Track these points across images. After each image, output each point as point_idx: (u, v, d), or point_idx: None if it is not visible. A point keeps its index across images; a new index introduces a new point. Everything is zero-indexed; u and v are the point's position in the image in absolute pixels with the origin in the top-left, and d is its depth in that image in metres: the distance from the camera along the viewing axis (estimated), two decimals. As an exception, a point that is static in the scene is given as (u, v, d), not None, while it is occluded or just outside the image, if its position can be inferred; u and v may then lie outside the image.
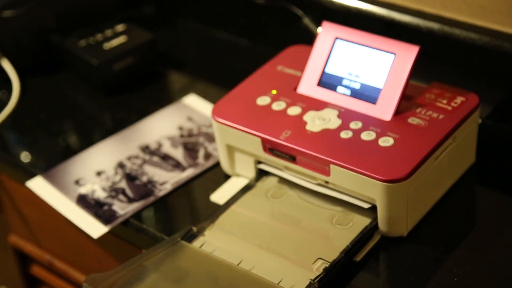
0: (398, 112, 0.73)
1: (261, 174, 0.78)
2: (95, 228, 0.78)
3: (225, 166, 0.81)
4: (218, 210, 0.75)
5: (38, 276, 1.01)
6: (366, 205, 0.71)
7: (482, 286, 0.67)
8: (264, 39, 1.02)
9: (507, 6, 0.80)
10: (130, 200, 0.80)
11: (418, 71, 0.74)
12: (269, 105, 0.77)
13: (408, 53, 0.73)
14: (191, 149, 0.86)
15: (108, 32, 1.00)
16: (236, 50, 1.03)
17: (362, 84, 0.75)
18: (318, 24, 0.84)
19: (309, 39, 0.84)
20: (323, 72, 0.77)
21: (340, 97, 0.76)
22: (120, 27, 1.01)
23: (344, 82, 0.76)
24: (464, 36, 0.82)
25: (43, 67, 1.02)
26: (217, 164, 0.83)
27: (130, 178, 0.83)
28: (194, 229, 0.72)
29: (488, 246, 0.71)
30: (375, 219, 0.71)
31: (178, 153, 0.86)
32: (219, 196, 0.78)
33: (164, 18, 1.10)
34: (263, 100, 0.77)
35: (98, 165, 0.85)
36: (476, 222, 0.75)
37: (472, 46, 0.82)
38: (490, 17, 0.82)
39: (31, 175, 0.85)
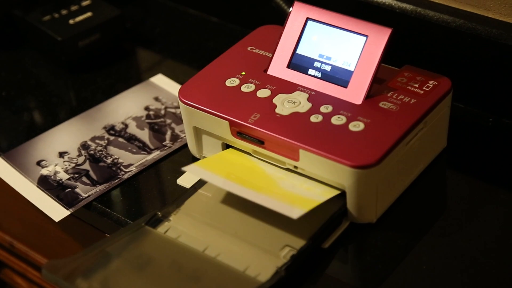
0: (369, 96, 0.72)
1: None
2: (57, 211, 0.76)
3: (193, 148, 0.79)
4: (184, 194, 0.73)
5: (-1, 258, 0.98)
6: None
7: (451, 273, 0.67)
8: (235, 17, 0.99)
9: (481, -12, 0.79)
10: (94, 183, 0.78)
11: (390, 53, 0.72)
12: (238, 87, 0.75)
13: (381, 35, 0.72)
14: (157, 131, 0.84)
15: (74, 7, 0.97)
16: (206, 28, 1.01)
17: (333, 67, 0.73)
18: (290, 3, 0.82)
19: (280, 18, 0.82)
20: (294, 53, 0.75)
21: (310, 80, 0.74)
22: (86, 2, 0.98)
23: (315, 64, 0.74)
24: (438, 18, 0.81)
25: (4, 42, 0.99)
26: (185, 146, 0.81)
27: (94, 159, 0.81)
28: (159, 213, 0.71)
29: (458, 232, 0.70)
30: (343, 205, 0.69)
31: (144, 135, 0.84)
32: (186, 179, 0.76)
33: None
34: (232, 82, 0.75)
35: (61, 146, 0.83)
36: (446, 207, 0.74)
37: (445, 28, 0.81)
38: (464, -1, 0.81)
39: (-9, 155, 0.82)
